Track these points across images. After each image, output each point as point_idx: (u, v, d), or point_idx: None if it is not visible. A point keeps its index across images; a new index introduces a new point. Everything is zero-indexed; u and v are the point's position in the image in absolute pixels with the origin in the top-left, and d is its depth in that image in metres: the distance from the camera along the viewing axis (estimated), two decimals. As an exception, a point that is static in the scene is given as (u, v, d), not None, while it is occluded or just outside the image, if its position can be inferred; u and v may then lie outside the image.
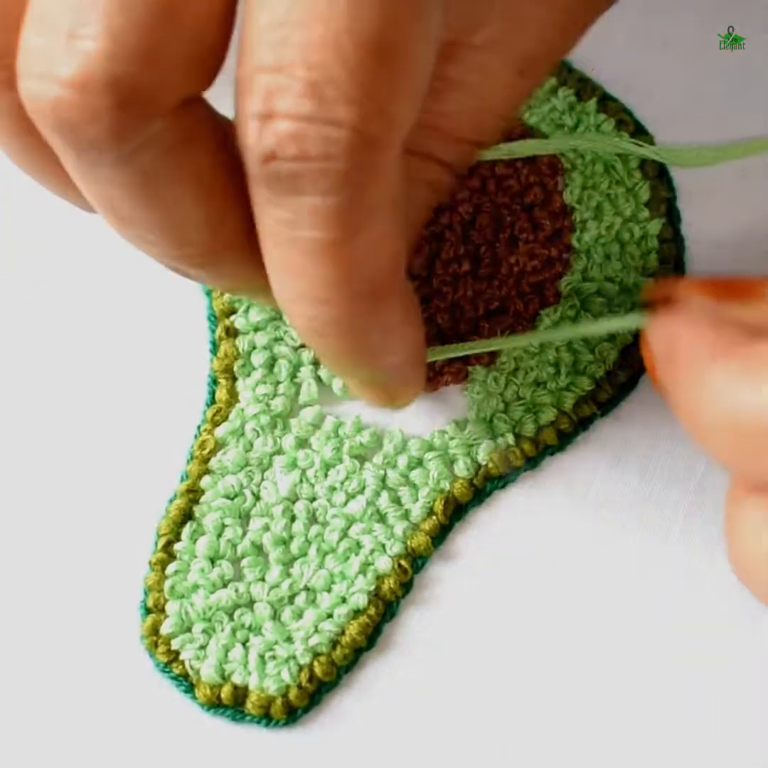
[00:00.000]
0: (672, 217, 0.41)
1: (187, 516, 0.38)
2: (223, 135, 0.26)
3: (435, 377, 0.39)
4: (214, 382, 0.39)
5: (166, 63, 0.23)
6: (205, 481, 0.38)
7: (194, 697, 0.36)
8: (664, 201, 0.41)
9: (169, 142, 0.25)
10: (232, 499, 0.38)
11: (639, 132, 0.42)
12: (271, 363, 0.39)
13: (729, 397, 0.28)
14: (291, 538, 0.37)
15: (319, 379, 0.39)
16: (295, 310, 0.28)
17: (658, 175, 0.41)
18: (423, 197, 0.32)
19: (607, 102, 0.42)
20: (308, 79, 0.23)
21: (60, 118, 0.24)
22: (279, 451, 0.38)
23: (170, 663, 0.36)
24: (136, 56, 0.23)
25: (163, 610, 0.37)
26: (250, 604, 0.37)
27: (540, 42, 0.30)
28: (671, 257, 0.40)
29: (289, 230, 0.25)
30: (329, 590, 0.37)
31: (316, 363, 0.39)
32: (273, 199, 0.25)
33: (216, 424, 0.39)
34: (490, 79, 0.30)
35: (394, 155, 0.25)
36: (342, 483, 0.38)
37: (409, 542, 0.37)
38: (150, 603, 0.37)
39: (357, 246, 0.26)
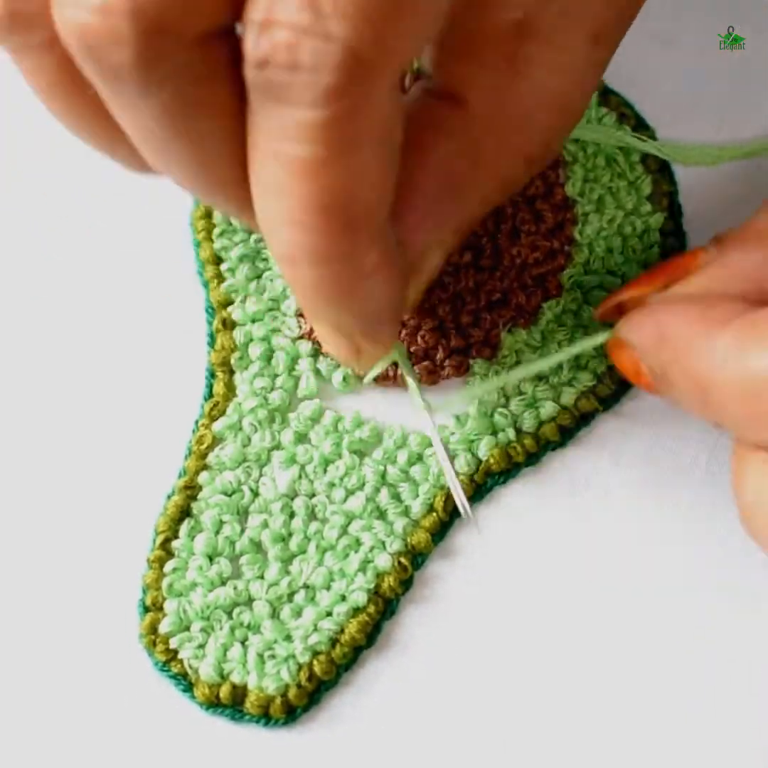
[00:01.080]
0: (674, 211, 0.41)
1: (184, 513, 0.37)
2: None
3: (436, 371, 0.38)
4: (212, 375, 0.39)
5: None
6: (203, 477, 0.37)
7: (193, 697, 0.35)
8: (666, 195, 0.41)
9: (195, 74, 0.25)
10: (230, 495, 0.37)
11: (640, 126, 0.42)
12: (269, 355, 0.39)
13: (739, 362, 0.29)
14: (290, 535, 0.37)
15: (317, 372, 0.39)
16: (275, 235, 0.28)
17: (660, 169, 0.41)
18: (488, 191, 0.33)
19: (608, 96, 0.42)
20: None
21: (87, 45, 0.24)
22: (277, 446, 0.38)
23: (169, 662, 0.36)
24: None
25: (161, 609, 0.36)
26: (249, 602, 0.36)
27: (609, 7, 0.31)
28: (673, 251, 0.40)
29: (275, 143, 0.26)
30: (329, 588, 0.36)
31: (314, 355, 0.39)
32: (263, 109, 0.26)
33: (213, 419, 0.38)
34: (566, 51, 0.31)
35: (387, 85, 0.25)
36: (341, 479, 0.37)
37: (409, 539, 0.37)
38: (148, 601, 0.36)
39: (339, 169, 0.26)
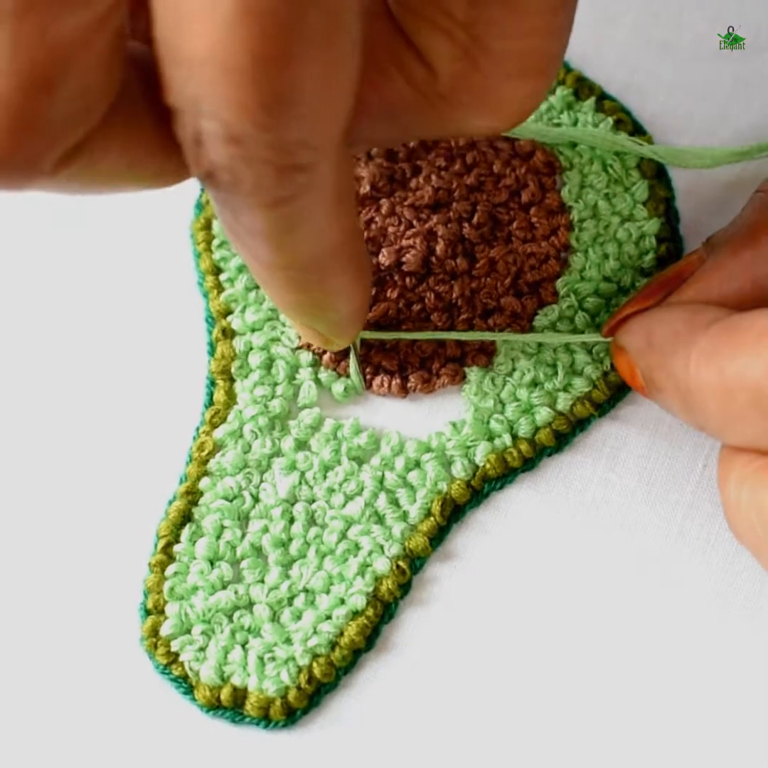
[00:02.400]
0: (670, 216, 0.41)
1: (186, 518, 0.38)
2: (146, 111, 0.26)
3: (431, 379, 0.39)
4: (212, 383, 0.39)
5: (45, 127, 0.24)
6: (204, 483, 0.38)
7: (194, 699, 0.36)
8: (663, 200, 0.41)
9: (76, 169, 0.26)
10: (231, 500, 0.38)
11: (637, 131, 0.42)
12: (269, 364, 0.39)
13: (714, 365, 0.30)
14: (290, 539, 0.37)
15: (318, 382, 0.39)
16: (249, 265, 0.31)
17: (657, 174, 0.41)
18: (433, 134, 0.34)
19: (604, 101, 0.42)
20: (226, 132, 0.24)
21: None
22: (278, 453, 0.38)
23: (170, 664, 0.36)
24: (4, 128, 0.24)
25: (162, 612, 0.37)
26: (250, 605, 0.37)
27: None
28: (669, 257, 0.40)
29: (233, 220, 0.28)
30: (328, 592, 0.37)
31: (314, 365, 0.39)
32: (217, 198, 0.27)
33: (214, 426, 0.39)
34: (528, 13, 0.29)
35: (329, 165, 0.26)
36: (340, 485, 0.38)
37: (407, 543, 0.37)
38: (150, 604, 0.37)
39: (293, 240, 0.28)
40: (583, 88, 0.42)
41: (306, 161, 0.25)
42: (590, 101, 0.42)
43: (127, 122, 0.26)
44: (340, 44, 0.24)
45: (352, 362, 0.38)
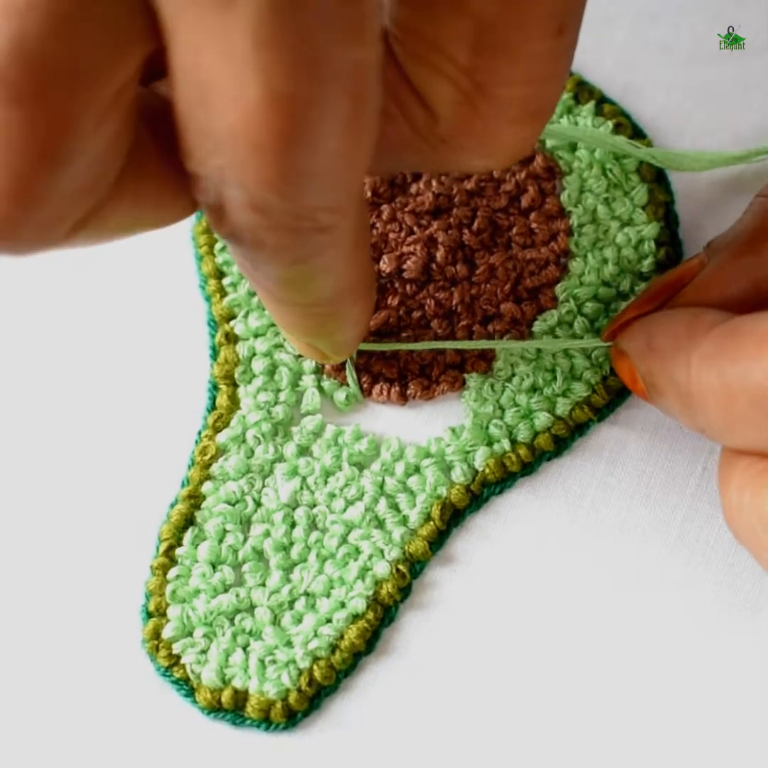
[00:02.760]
0: (670, 220, 0.41)
1: (188, 521, 0.38)
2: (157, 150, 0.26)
3: (431, 385, 0.39)
4: (215, 387, 0.39)
5: (58, 202, 0.24)
6: (207, 487, 0.38)
7: (195, 701, 0.36)
8: (662, 205, 0.41)
9: (86, 232, 0.25)
10: (234, 504, 0.38)
11: (637, 135, 0.42)
12: (272, 370, 0.39)
13: (716, 370, 0.30)
14: (291, 544, 0.38)
15: (321, 389, 0.39)
16: (262, 299, 0.32)
17: (656, 178, 0.41)
18: (432, 170, 0.35)
19: (604, 105, 0.42)
20: (250, 201, 0.24)
21: None
22: (280, 459, 0.39)
23: (171, 667, 0.37)
24: (11, 201, 0.23)
25: (164, 615, 0.37)
26: (251, 608, 0.37)
27: None
28: (668, 261, 0.40)
29: (253, 269, 0.28)
30: (328, 595, 0.37)
31: (317, 372, 0.39)
32: (237, 250, 0.27)
33: (217, 430, 0.39)
34: (529, 58, 0.28)
35: (350, 222, 0.26)
36: (341, 490, 0.38)
37: (407, 547, 0.37)
38: (151, 607, 0.37)
39: (313, 286, 0.29)
40: (582, 91, 0.42)
41: (328, 224, 0.25)
42: (590, 105, 0.42)
43: (137, 177, 0.26)
44: (365, 122, 0.24)
45: (349, 373, 0.39)
